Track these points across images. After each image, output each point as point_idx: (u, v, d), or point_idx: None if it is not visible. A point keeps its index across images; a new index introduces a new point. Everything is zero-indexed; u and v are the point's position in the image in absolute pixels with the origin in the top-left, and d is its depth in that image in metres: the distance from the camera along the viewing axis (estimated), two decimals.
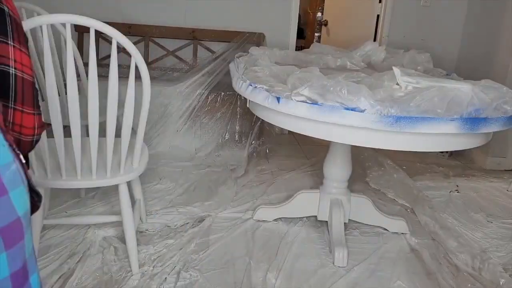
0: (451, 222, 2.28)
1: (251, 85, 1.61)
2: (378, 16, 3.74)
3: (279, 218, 2.21)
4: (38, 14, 2.13)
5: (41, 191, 1.54)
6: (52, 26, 2.19)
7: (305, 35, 6.54)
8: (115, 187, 1.62)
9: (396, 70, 1.51)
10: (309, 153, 3.25)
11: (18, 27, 0.88)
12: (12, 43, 0.86)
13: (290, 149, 3.34)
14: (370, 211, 2.17)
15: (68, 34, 1.32)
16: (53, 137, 1.44)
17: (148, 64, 3.40)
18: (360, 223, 2.20)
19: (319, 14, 5.78)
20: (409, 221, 2.22)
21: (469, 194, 2.68)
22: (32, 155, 1.46)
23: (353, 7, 4.21)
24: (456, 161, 3.30)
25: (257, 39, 3.49)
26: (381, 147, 1.51)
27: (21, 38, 0.88)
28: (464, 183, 2.85)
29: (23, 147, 0.94)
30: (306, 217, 2.22)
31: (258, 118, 3.02)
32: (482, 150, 3.16)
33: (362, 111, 1.36)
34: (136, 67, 1.41)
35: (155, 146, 3.03)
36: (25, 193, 0.80)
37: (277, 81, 1.63)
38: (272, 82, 1.59)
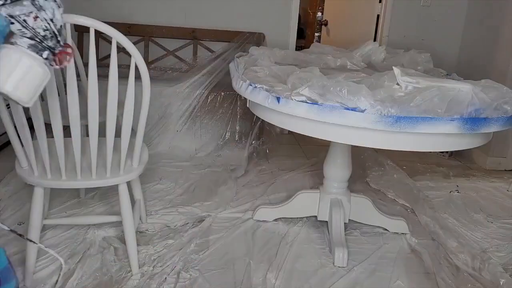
0: (451, 222, 2.28)
1: (251, 85, 1.61)
2: (378, 16, 3.74)
3: (279, 218, 2.21)
4: None
5: (41, 191, 1.54)
6: None
7: (305, 35, 6.54)
8: (115, 187, 1.62)
9: (396, 70, 1.51)
10: (309, 153, 3.25)
11: None
12: None
13: (290, 149, 3.34)
14: (370, 211, 2.17)
15: (68, 34, 1.32)
16: (53, 137, 1.44)
17: (148, 64, 3.40)
18: (360, 223, 2.20)
19: (319, 14, 5.78)
20: (409, 221, 2.21)
21: (469, 194, 2.68)
22: (32, 155, 1.46)
23: (353, 7, 4.21)
24: (456, 161, 3.30)
25: (257, 39, 3.49)
26: (381, 147, 1.50)
27: None
28: (464, 183, 2.85)
29: None
30: (306, 217, 2.22)
31: (258, 118, 3.02)
32: (482, 150, 3.16)
33: (362, 111, 1.36)
34: (136, 67, 1.41)
35: (155, 146, 3.03)
36: None
37: (277, 81, 1.63)
38: (272, 82, 1.59)
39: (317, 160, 3.04)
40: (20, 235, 1.13)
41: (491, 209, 2.50)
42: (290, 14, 3.61)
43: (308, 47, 2.52)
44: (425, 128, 1.36)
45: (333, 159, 2.06)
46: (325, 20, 4.73)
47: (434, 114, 1.35)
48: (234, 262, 1.84)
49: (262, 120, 2.21)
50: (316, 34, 5.89)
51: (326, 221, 2.14)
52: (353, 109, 1.37)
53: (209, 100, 3.12)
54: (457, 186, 2.79)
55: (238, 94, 1.76)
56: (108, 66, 1.38)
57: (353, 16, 4.17)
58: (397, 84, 1.50)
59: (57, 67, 1.05)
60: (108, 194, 2.33)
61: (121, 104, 1.45)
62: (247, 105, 1.88)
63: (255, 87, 1.58)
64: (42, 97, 2.05)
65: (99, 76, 1.38)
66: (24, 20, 0.94)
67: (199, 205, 2.30)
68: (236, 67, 1.95)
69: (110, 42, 1.38)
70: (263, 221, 2.19)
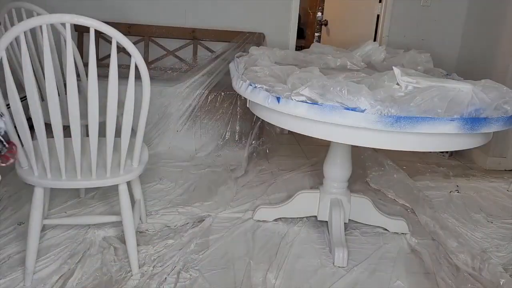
0: (451, 222, 2.28)
1: (251, 85, 1.61)
2: (378, 16, 3.74)
3: (279, 218, 2.21)
4: (38, 14, 2.13)
5: (41, 191, 1.54)
6: (52, 26, 2.19)
7: (305, 35, 6.54)
8: (115, 187, 1.62)
9: (396, 70, 1.51)
10: (309, 153, 3.25)
11: None
12: None
13: (290, 149, 3.34)
14: (370, 211, 2.17)
15: (68, 34, 1.32)
16: (53, 137, 1.44)
17: (148, 64, 3.40)
18: (360, 223, 2.20)
19: (319, 14, 5.77)
20: (409, 221, 2.22)
21: (469, 194, 2.68)
22: (32, 155, 1.46)
23: (353, 7, 4.20)
24: (457, 161, 3.30)
25: (257, 39, 3.49)
26: (381, 147, 1.50)
27: None
28: (464, 183, 2.85)
29: None
30: (306, 217, 2.22)
31: (258, 118, 3.02)
32: (482, 150, 3.16)
33: (362, 111, 1.36)
34: (136, 67, 1.41)
35: (155, 146, 3.03)
36: None
37: (277, 81, 1.63)
38: (272, 82, 1.59)
39: (317, 160, 3.04)
40: None
41: (491, 209, 2.50)
42: (290, 14, 3.61)
43: (308, 47, 2.52)
44: (425, 128, 1.36)
45: (333, 159, 2.06)
46: (325, 20, 4.73)
47: (434, 114, 1.35)
48: (234, 262, 1.84)
49: (262, 120, 2.22)
50: (316, 34, 5.89)
51: (326, 221, 2.14)
52: (353, 109, 1.37)
53: (209, 100, 3.12)
54: (457, 186, 2.79)
55: (238, 94, 1.76)
56: (108, 66, 1.38)
57: (353, 16, 4.17)
58: (397, 84, 1.50)
59: (4, 165, 1.22)
60: (108, 194, 2.33)
61: (121, 104, 1.46)
62: (247, 105, 1.88)
63: (255, 87, 1.58)
64: (42, 97, 2.06)
65: (99, 76, 1.38)
66: None
67: (199, 205, 2.30)
68: (236, 67, 1.95)
69: (110, 42, 1.38)
70: (263, 221, 2.19)
